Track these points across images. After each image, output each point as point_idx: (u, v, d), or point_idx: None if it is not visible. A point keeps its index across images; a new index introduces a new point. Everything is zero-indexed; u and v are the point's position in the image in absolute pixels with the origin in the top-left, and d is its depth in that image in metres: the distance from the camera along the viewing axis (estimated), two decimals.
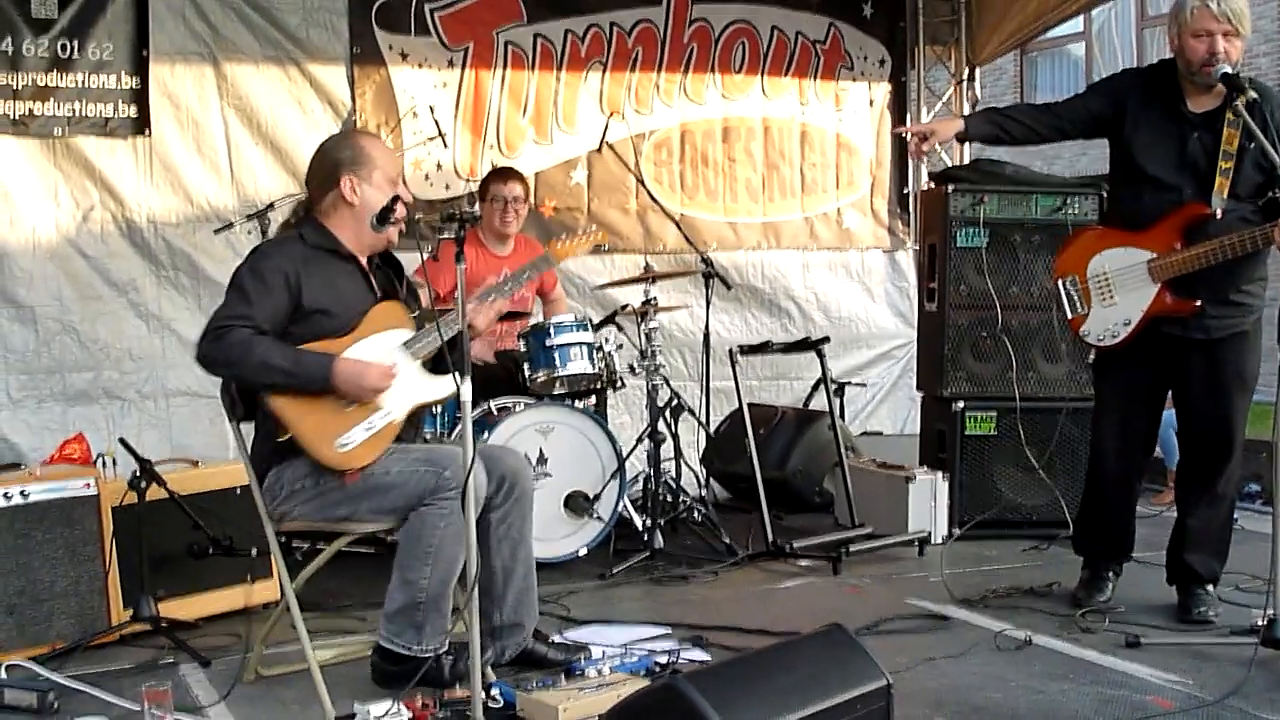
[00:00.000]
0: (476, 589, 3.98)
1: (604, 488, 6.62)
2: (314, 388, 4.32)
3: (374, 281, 4.71)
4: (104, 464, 5.59)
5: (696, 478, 7.76)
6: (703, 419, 7.77)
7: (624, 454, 6.73)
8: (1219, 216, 5.19)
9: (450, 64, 8.26)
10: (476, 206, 7.28)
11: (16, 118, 7.10)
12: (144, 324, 7.47)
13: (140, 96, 7.40)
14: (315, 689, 4.32)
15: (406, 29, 8.10)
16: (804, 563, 6.62)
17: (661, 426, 6.94)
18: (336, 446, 4.33)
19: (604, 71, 8.75)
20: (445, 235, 4.18)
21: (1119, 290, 5.46)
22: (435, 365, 4.59)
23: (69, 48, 7.19)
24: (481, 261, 7.03)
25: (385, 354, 4.46)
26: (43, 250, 7.23)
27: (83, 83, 7.24)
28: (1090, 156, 14.69)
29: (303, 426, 4.34)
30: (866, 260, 9.78)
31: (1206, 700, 4.46)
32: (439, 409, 6.34)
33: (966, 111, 10.02)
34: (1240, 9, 5.16)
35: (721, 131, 9.21)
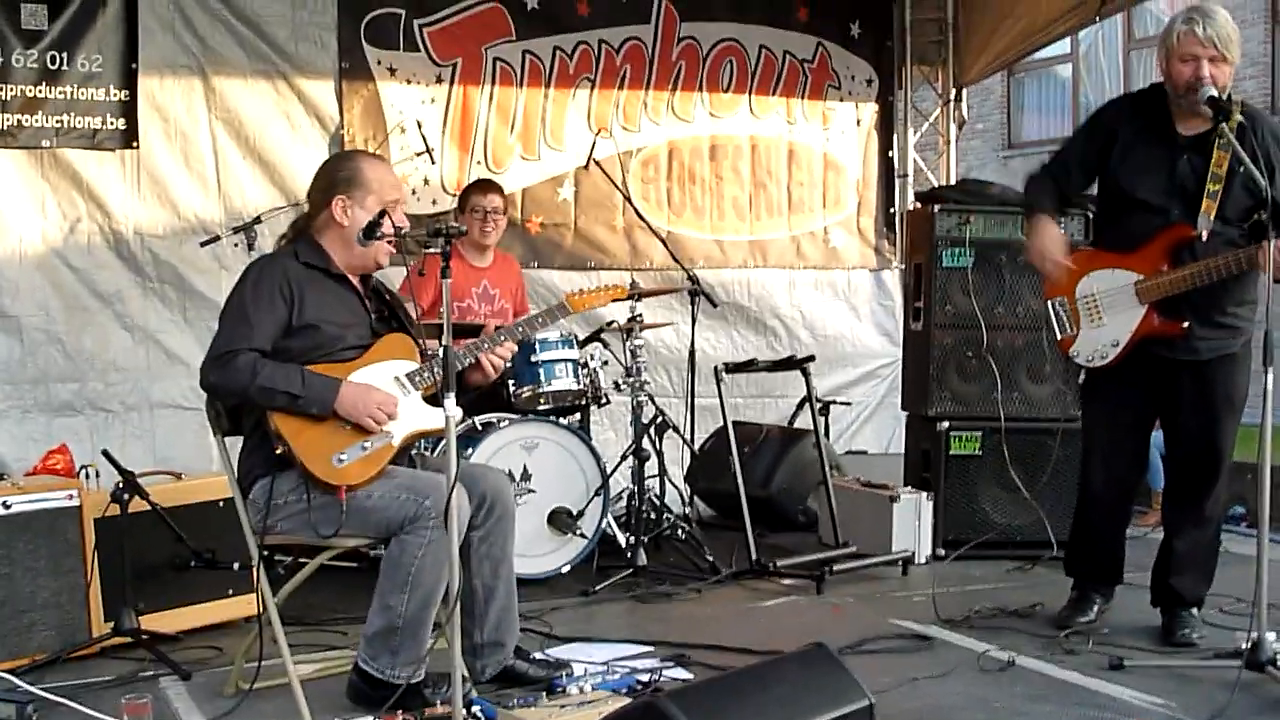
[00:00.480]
0: (458, 606, 3.97)
1: (588, 504, 6.61)
2: (316, 411, 4.34)
3: (366, 302, 4.71)
4: (87, 476, 5.57)
5: (680, 495, 7.77)
6: (687, 436, 7.77)
7: (608, 471, 6.73)
8: (1204, 238, 5.21)
9: (439, 80, 8.28)
10: (458, 219, 7.27)
11: (4, 129, 7.08)
12: (129, 336, 7.45)
13: (129, 109, 7.39)
14: (296, 704, 4.31)
15: (395, 44, 8.11)
16: (787, 581, 6.61)
17: (646, 444, 6.93)
18: (333, 462, 4.33)
19: (592, 89, 8.77)
20: (430, 250, 4.15)
21: (1107, 311, 5.47)
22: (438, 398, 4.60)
23: (58, 59, 7.18)
24: (461, 274, 7.03)
25: (389, 382, 4.50)
26: (29, 261, 7.21)
27: (71, 95, 7.23)
28: None
29: (300, 440, 4.34)
30: (852, 279, 9.80)
31: None
32: None
33: (953, 132, 10.09)
34: (1228, 34, 5.16)
35: (709, 149, 9.23)
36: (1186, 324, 5.30)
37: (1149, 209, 5.35)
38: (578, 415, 7.15)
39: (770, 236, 9.45)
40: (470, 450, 6.22)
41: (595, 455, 6.68)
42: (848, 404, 9.51)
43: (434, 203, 8.23)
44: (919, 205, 7.90)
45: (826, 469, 7.29)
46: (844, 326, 9.72)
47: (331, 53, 7.95)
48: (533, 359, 6.65)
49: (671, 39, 9.00)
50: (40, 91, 7.17)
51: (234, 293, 4.52)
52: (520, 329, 4.83)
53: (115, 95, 7.38)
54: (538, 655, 4.96)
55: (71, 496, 5.26)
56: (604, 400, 6.98)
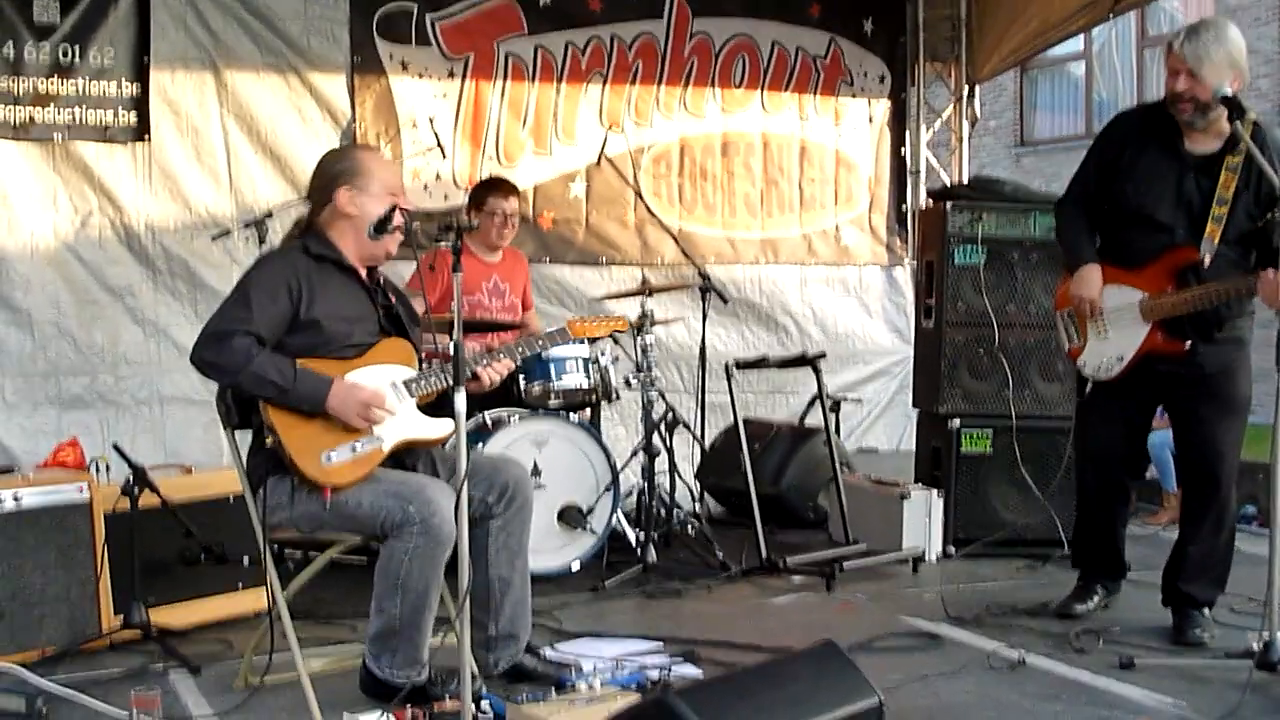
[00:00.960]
0: (468, 601, 3.96)
1: (598, 501, 6.61)
2: (306, 407, 4.32)
3: (375, 298, 4.69)
4: (97, 469, 5.57)
5: (690, 492, 7.76)
6: (698, 433, 7.76)
7: (618, 467, 6.72)
8: (1206, 264, 5.27)
9: (450, 74, 8.28)
10: (470, 214, 7.24)
11: (17, 123, 7.10)
12: (140, 330, 7.46)
13: (140, 103, 7.41)
14: (305, 698, 4.31)
15: (408, 39, 8.11)
16: (797, 578, 6.60)
17: (656, 440, 6.93)
18: (321, 460, 4.32)
19: (604, 84, 8.77)
20: (441, 244, 4.14)
21: (1113, 326, 5.54)
22: (432, 408, 4.59)
23: (70, 53, 7.20)
24: (472, 269, 7.03)
25: (384, 385, 4.46)
26: (40, 255, 7.23)
27: (83, 88, 7.25)
28: None
29: (291, 436, 4.32)
30: (864, 276, 9.79)
31: None
32: None
33: (965, 129, 10.07)
34: (1202, 53, 5.18)
35: (721, 146, 9.23)
36: (1189, 344, 5.36)
37: (1155, 225, 5.41)
38: (588, 411, 7.14)
39: (782, 233, 9.44)
40: (481, 445, 6.22)
41: (605, 451, 6.68)
42: (859, 401, 9.50)
43: (445, 197, 8.23)
44: (931, 202, 7.89)
45: (837, 466, 7.29)
46: (855, 324, 9.70)
47: (343, 47, 7.96)
48: (543, 355, 6.64)
49: (684, 35, 8.99)
50: (52, 85, 7.19)
51: (241, 279, 4.51)
52: (520, 349, 4.78)
53: (127, 89, 7.39)
54: (547, 653, 4.96)
55: (82, 490, 5.27)
56: (614, 396, 6.97)
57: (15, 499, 5.07)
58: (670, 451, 7.23)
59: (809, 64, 9.43)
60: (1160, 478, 7.90)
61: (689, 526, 7.22)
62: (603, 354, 6.90)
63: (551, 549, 6.51)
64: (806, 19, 9.42)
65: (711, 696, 3.56)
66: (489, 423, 6.53)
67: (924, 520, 7.04)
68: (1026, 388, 7.23)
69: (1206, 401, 5.43)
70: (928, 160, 10.04)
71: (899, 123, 9.90)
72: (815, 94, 9.48)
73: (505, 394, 6.70)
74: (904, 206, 9.92)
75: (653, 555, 6.65)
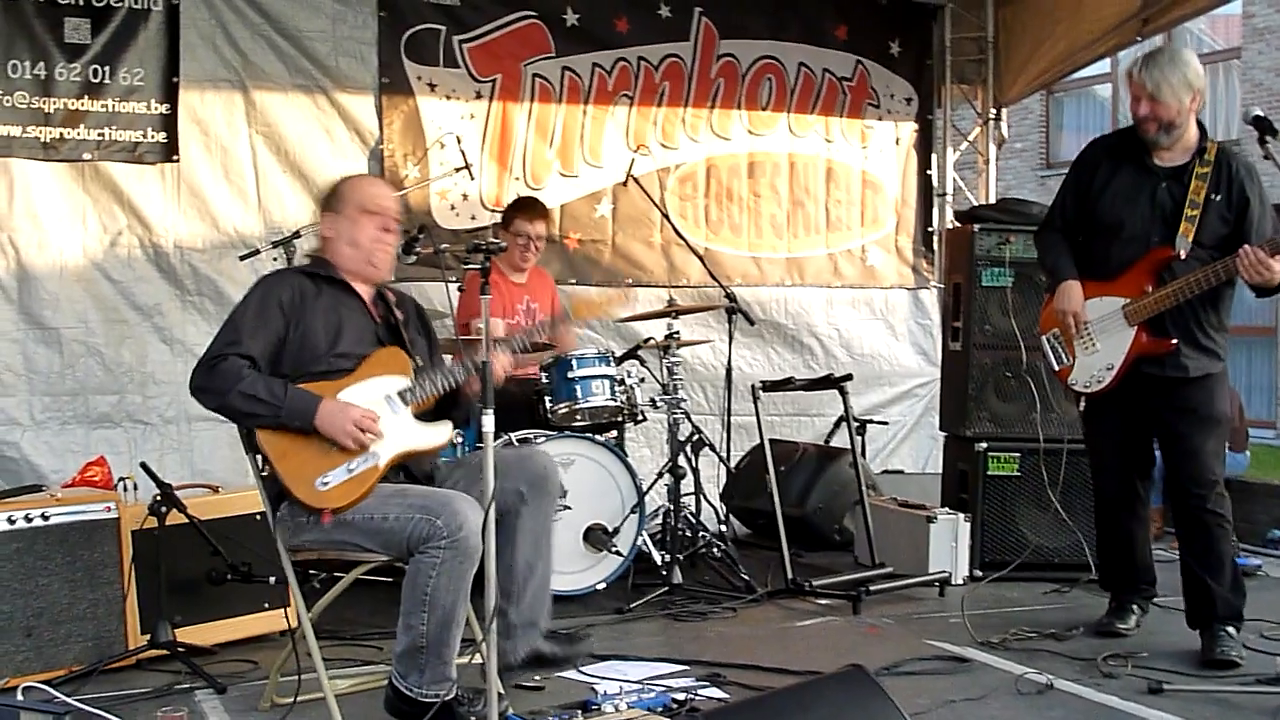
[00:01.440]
0: (495, 623, 3.96)
1: (623, 522, 6.60)
2: (296, 425, 4.33)
3: (375, 314, 4.72)
4: (125, 488, 5.59)
5: (716, 513, 7.74)
6: (723, 454, 7.74)
7: (644, 488, 6.71)
8: (1183, 257, 5.47)
9: (478, 95, 8.31)
10: (499, 235, 7.26)
11: (47, 142, 7.15)
12: (168, 349, 7.49)
13: (169, 122, 7.46)
14: (331, 718, 4.30)
15: (435, 60, 8.15)
16: (823, 601, 6.57)
17: (682, 461, 6.92)
18: (316, 485, 4.31)
19: (631, 105, 8.79)
20: (470, 266, 4.16)
21: (1100, 337, 5.69)
22: (433, 413, 4.59)
23: (100, 73, 7.25)
24: (505, 290, 7.05)
25: (377, 400, 4.45)
26: (70, 273, 7.27)
27: (113, 108, 7.30)
28: None
29: (284, 463, 4.34)
30: (890, 298, 9.76)
31: None
32: (459, 440, 6.33)
33: (992, 151, 10.06)
34: (1159, 78, 5.45)
35: (747, 167, 9.23)
36: (1175, 340, 5.52)
37: (1130, 236, 5.63)
38: (614, 432, 7.14)
39: (808, 254, 9.43)
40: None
41: (631, 472, 6.67)
42: (884, 423, 9.47)
43: (473, 218, 8.25)
44: (958, 224, 7.87)
45: (863, 488, 7.26)
46: (881, 345, 9.68)
47: (372, 68, 8.00)
48: (569, 375, 6.65)
49: (710, 56, 9.01)
50: (82, 105, 7.25)
51: (239, 302, 4.60)
52: (518, 340, 4.76)
53: (156, 109, 7.43)
54: (556, 630, 4.94)
55: (109, 509, 5.29)
56: (640, 417, 6.96)
57: (43, 517, 5.10)
58: (696, 472, 7.21)
59: (835, 86, 9.44)
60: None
61: (714, 548, 7.20)
62: (628, 374, 6.89)
63: (577, 570, 6.50)
64: (833, 41, 9.42)
65: None
66: (515, 442, 6.52)
67: (951, 543, 7.01)
68: (1054, 410, 7.19)
69: (1188, 416, 5.58)
70: (954, 182, 10.02)
71: (925, 144, 9.89)
72: (842, 115, 9.48)
73: (531, 414, 6.71)
74: (930, 228, 9.90)
75: (678, 577, 6.63)
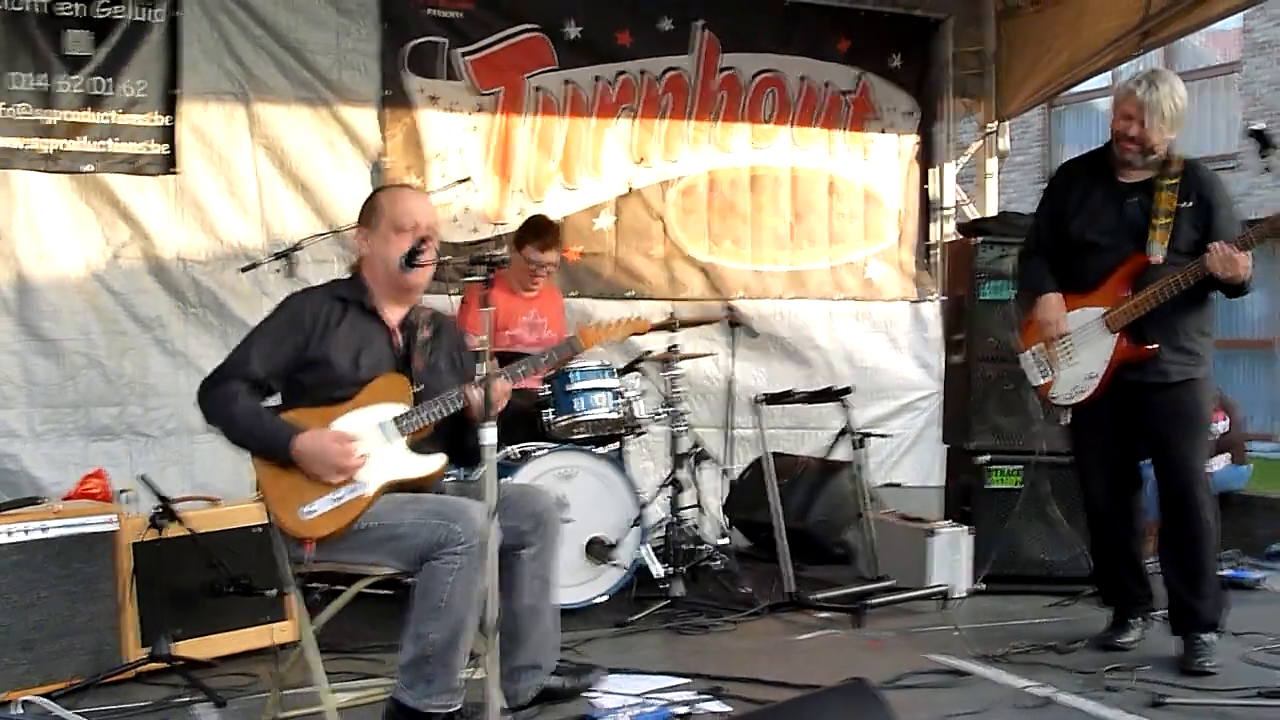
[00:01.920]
0: (498, 633, 3.94)
1: (624, 534, 6.59)
2: (276, 457, 4.32)
3: (396, 340, 4.66)
4: (125, 500, 5.58)
5: (718, 526, 7.72)
6: (725, 467, 7.73)
7: (645, 501, 6.70)
8: (1157, 262, 5.57)
9: (480, 108, 8.32)
10: (506, 249, 7.23)
11: (48, 153, 7.16)
12: (169, 360, 7.49)
13: (171, 134, 7.47)
14: None
15: (437, 73, 8.17)
16: (824, 615, 6.56)
17: (683, 474, 6.92)
18: (299, 513, 4.29)
19: (633, 118, 8.80)
20: (473, 279, 4.14)
21: (1081, 348, 5.76)
22: (447, 443, 4.59)
23: (102, 85, 7.26)
24: (509, 304, 7.04)
25: (370, 427, 4.41)
26: (71, 285, 7.28)
27: (114, 120, 7.32)
28: None
29: (272, 490, 4.34)
30: (892, 311, 9.76)
31: None
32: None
33: (993, 165, 10.06)
34: (1157, 103, 5.58)
35: (749, 180, 9.23)
36: (1155, 345, 5.58)
37: (1103, 250, 5.74)
38: (615, 445, 7.13)
39: (809, 267, 9.43)
40: (506, 479, 6.19)
41: (632, 485, 6.66)
42: (886, 436, 9.45)
43: (474, 230, 8.25)
44: (959, 237, 7.87)
45: (864, 502, 7.25)
46: (882, 358, 9.67)
47: (374, 80, 8.01)
48: (570, 388, 6.64)
49: (712, 69, 9.02)
50: (83, 117, 7.27)
51: (263, 320, 4.57)
52: (522, 370, 4.71)
53: (158, 121, 7.45)
54: (564, 663, 4.92)
55: (109, 521, 5.28)
56: (641, 430, 6.96)
57: (42, 529, 5.10)
58: (697, 485, 7.20)
59: (837, 99, 9.44)
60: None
61: (716, 561, 7.19)
62: (630, 387, 6.89)
63: (578, 582, 6.49)
64: (835, 54, 9.43)
65: None
66: (516, 455, 6.52)
67: (952, 556, 7.00)
68: (1055, 424, 7.17)
69: (1173, 422, 5.63)
70: (956, 195, 10.02)
71: (927, 158, 9.88)
72: (844, 129, 9.48)
73: (531, 427, 6.70)
74: (932, 241, 9.90)
75: (679, 590, 6.63)
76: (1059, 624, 6.39)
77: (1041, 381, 5.96)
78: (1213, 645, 5.52)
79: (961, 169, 10.17)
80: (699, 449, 7.26)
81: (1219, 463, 8.21)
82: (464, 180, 7.85)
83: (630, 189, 8.07)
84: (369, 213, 4.68)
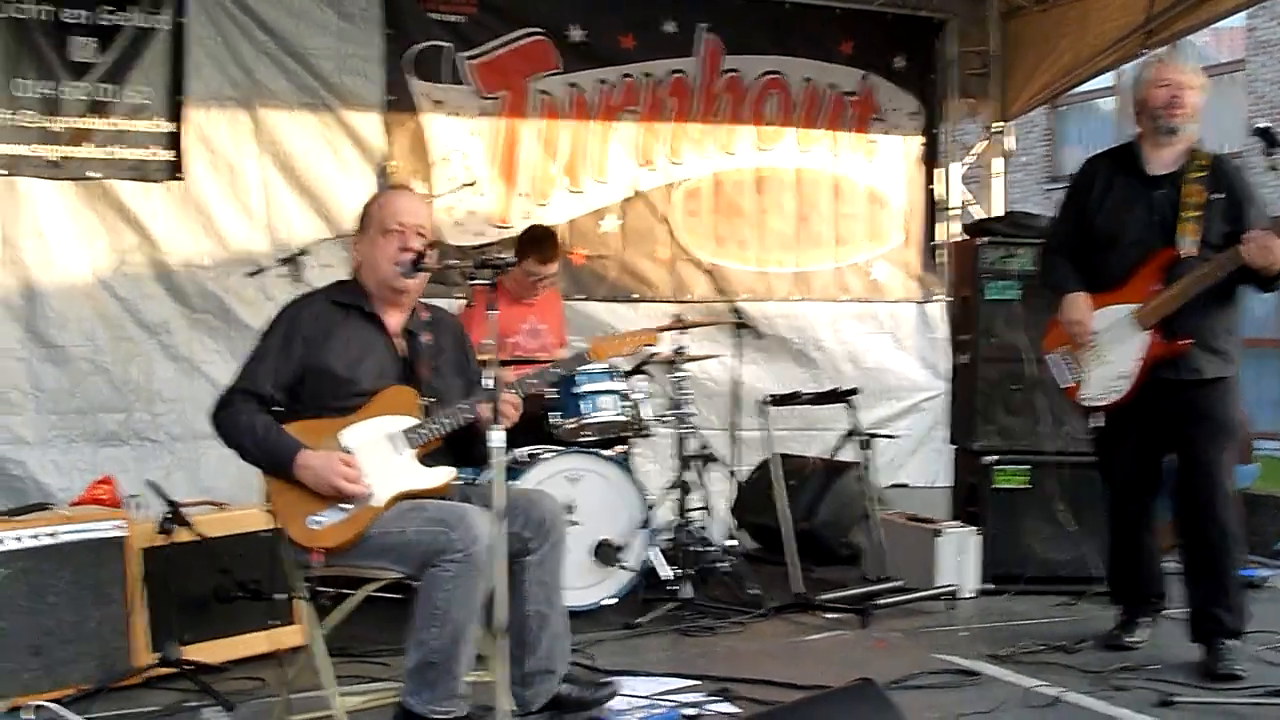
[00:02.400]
0: (509, 639, 3.94)
1: (632, 537, 6.59)
2: (281, 473, 4.34)
3: (399, 347, 4.66)
4: (133, 506, 5.59)
5: (725, 528, 7.72)
6: (732, 468, 7.73)
7: (652, 503, 6.71)
8: (1185, 254, 5.46)
9: (483, 112, 8.32)
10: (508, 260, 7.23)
11: (53, 160, 7.17)
12: (175, 366, 7.50)
13: (175, 140, 7.48)
14: None
15: (441, 77, 8.17)
16: (832, 615, 6.57)
17: (690, 476, 6.92)
18: (307, 523, 4.30)
19: (637, 121, 8.79)
20: (478, 283, 4.14)
21: (1111, 347, 5.64)
22: (456, 452, 4.59)
23: (106, 92, 7.28)
24: (510, 310, 7.04)
25: (379, 439, 4.41)
26: (76, 291, 7.28)
27: (119, 126, 7.33)
28: None
29: (280, 498, 4.35)
30: (897, 312, 9.75)
31: None
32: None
33: (997, 165, 10.05)
34: (1193, 70, 5.65)
35: (754, 182, 9.23)
36: (1190, 340, 5.47)
37: (1130, 244, 5.63)
38: (621, 447, 7.13)
39: (814, 269, 9.43)
40: (511, 483, 6.18)
41: (639, 487, 6.67)
42: (892, 437, 9.44)
43: (479, 234, 8.26)
44: (965, 238, 7.87)
45: (871, 502, 7.25)
46: (888, 359, 9.67)
47: (377, 85, 8.02)
48: (577, 391, 6.64)
49: (715, 72, 9.02)
50: (89, 123, 7.27)
51: (263, 332, 4.59)
52: (530, 383, 4.71)
53: (163, 127, 7.46)
54: (582, 676, 4.92)
55: (117, 527, 5.29)
56: (647, 432, 6.96)
57: (51, 535, 5.10)
58: (704, 487, 7.20)
59: (841, 100, 9.44)
60: None
61: (723, 563, 7.19)
62: (636, 389, 6.89)
63: (585, 585, 6.49)
64: (838, 56, 9.43)
65: None
66: (523, 458, 6.53)
67: (959, 557, 7.00)
68: (1062, 424, 7.18)
69: (1204, 422, 5.53)
70: (961, 195, 10.02)
71: (931, 158, 9.88)
72: (848, 130, 9.48)
73: (538, 430, 6.70)
74: (936, 242, 9.89)
75: (687, 592, 6.63)
76: (1067, 623, 6.39)
77: (1070, 384, 5.83)
78: (1237, 649, 5.46)
79: (967, 169, 10.17)
80: (706, 451, 7.26)
81: None
82: (469, 184, 7.86)
83: (635, 192, 8.06)
84: (362, 219, 4.72)
